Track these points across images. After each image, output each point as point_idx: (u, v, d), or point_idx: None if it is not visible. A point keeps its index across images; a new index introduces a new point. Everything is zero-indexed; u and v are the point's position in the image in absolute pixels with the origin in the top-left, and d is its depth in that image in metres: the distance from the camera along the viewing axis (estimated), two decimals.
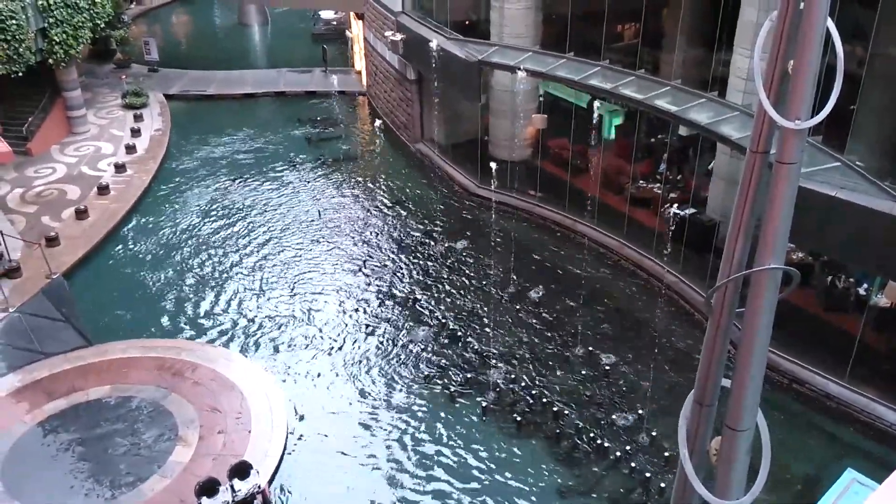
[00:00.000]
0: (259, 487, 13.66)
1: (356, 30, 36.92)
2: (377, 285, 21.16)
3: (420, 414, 16.64)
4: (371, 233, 23.91)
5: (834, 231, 15.26)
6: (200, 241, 23.50)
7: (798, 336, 17.40)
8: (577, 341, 18.65)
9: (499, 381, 17.37)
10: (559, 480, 14.99)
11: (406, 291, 20.85)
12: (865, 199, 14.74)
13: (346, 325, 19.46)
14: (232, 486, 13.49)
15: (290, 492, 14.77)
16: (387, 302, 20.41)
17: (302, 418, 16.43)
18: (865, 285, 17.82)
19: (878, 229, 14.56)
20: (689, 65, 20.85)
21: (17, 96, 28.58)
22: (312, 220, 24.68)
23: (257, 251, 22.89)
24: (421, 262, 22.22)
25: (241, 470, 13.77)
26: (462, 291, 20.78)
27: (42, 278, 20.60)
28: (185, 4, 53.00)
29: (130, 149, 28.81)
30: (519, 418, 16.31)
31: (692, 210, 20.71)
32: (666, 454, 15.30)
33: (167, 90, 35.32)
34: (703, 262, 19.75)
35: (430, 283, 21.22)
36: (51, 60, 27.46)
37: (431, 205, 25.73)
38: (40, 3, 26.22)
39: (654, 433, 15.82)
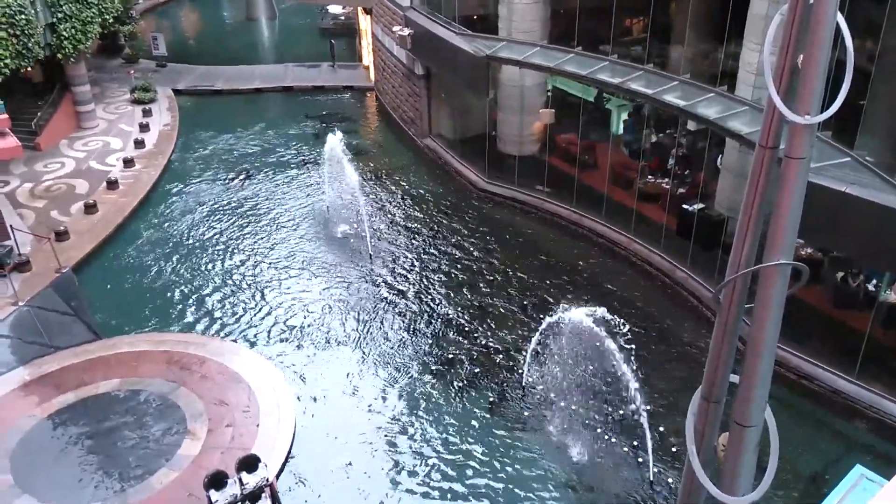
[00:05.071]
0: (267, 481, 13.69)
1: (364, 24, 36.89)
2: (386, 280, 21.17)
3: (427, 408, 16.66)
4: (379, 227, 23.90)
5: (844, 227, 15.18)
6: (208, 235, 23.56)
7: (807, 332, 17.34)
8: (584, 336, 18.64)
9: (506, 375, 17.40)
10: (567, 475, 14.99)
11: (415, 288, 20.86)
12: (876, 195, 14.66)
13: (354, 319, 19.48)
14: (240, 480, 13.53)
15: (297, 485, 14.81)
16: (396, 298, 20.42)
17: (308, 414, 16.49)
18: (875, 281, 17.73)
19: (888, 225, 14.47)
20: (698, 59, 20.75)
21: (26, 91, 28.69)
22: (320, 215, 24.70)
23: (265, 246, 22.92)
24: (429, 257, 22.22)
25: (249, 463, 13.80)
26: (468, 286, 20.79)
27: (51, 272, 20.70)
28: None
29: (139, 143, 28.90)
30: (526, 412, 16.33)
31: (701, 205, 20.64)
32: (673, 449, 15.29)
33: (175, 85, 35.38)
34: (711, 258, 19.68)
35: (438, 278, 21.23)
36: (59, 55, 27.56)
37: (439, 199, 25.71)
38: None
39: (661, 428, 15.81)
